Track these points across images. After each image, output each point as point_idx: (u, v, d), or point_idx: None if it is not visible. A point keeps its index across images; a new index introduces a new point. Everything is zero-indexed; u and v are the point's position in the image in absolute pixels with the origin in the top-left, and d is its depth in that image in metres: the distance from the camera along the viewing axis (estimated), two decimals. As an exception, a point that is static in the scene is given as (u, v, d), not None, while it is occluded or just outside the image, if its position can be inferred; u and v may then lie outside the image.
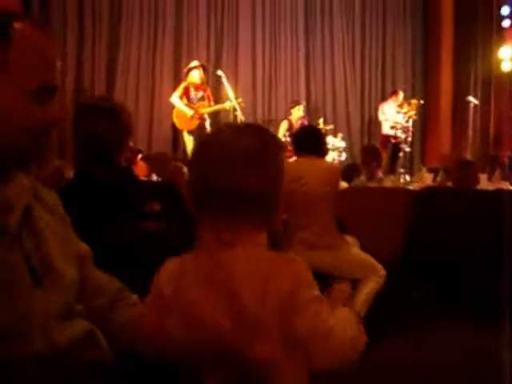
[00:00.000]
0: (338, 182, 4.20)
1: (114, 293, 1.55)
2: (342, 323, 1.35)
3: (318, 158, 4.03)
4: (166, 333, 1.35)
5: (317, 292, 1.30)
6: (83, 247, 1.50)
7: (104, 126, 2.15)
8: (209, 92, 9.00)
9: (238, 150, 1.27)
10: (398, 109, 9.87)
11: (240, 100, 8.76)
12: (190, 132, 8.72)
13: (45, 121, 1.24)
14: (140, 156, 7.93)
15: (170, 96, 9.11)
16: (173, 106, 8.94)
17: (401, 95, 10.40)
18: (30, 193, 1.30)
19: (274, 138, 1.38)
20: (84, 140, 2.20)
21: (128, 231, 2.04)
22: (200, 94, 8.84)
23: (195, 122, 8.68)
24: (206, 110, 8.78)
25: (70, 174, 3.05)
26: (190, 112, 8.68)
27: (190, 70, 8.91)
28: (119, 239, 2.00)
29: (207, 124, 8.75)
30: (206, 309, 1.27)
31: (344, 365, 1.34)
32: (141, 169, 7.52)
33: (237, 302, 1.25)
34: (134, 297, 1.60)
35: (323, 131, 9.23)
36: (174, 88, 9.89)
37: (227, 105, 8.80)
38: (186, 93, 8.78)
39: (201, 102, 8.80)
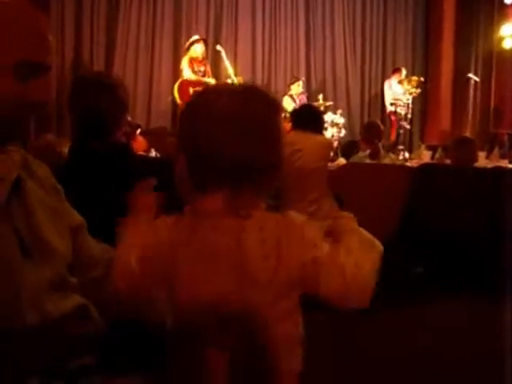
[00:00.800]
0: (330, 156, 4.24)
1: (108, 261, 1.55)
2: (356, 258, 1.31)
3: (314, 133, 4.05)
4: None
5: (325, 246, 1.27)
6: (77, 218, 1.49)
7: (101, 101, 2.14)
8: (208, 67, 8.94)
9: (234, 116, 1.21)
10: (400, 85, 9.86)
11: (239, 78, 8.72)
12: None
13: (24, 98, 1.22)
14: (139, 131, 7.92)
15: (169, 71, 9.09)
16: (173, 81, 8.91)
17: (403, 72, 10.36)
18: (19, 166, 1.29)
19: (275, 103, 1.32)
20: (80, 114, 2.19)
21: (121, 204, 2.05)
22: (202, 68, 8.78)
23: None
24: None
25: (65, 149, 3.04)
26: (212, 81, 8.61)
27: (191, 43, 8.84)
28: (113, 212, 2.01)
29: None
30: (214, 279, 1.23)
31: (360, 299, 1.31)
32: (140, 143, 7.52)
33: (248, 269, 1.21)
34: None
35: (322, 107, 9.22)
36: (174, 63, 9.86)
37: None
38: (190, 66, 8.72)
39: (205, 79, 8.72)
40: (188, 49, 8.85)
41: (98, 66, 9.50)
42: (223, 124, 1.22)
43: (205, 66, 8.85)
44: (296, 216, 1.29)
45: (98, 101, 2.14)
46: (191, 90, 8.53)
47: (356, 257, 1.26)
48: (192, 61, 8.72)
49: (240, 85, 1.41)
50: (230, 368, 1.23)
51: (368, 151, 5.57)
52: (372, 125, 5.97)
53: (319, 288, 1.22)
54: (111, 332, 1.44)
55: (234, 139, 1.21)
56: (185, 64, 8.71)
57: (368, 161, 5.45)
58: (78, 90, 2.24)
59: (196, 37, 9.02)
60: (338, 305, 1.25)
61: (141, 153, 6.90)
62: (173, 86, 9.59)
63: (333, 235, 1.33)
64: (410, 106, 9.67)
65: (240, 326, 1.24)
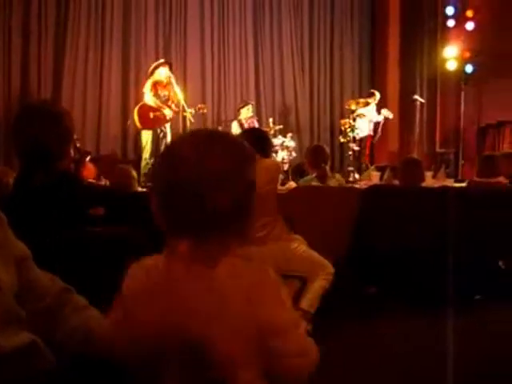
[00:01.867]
0: (278, 178, 4.27)
1: (58, 293, 1.52)
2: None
3: (261, 157, 4.08)
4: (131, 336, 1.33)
5: (292, 313, 1.33)
6: (22, 248, 1.46)
7: (44, 131, 2.12)
8: (172, 92, 8.77)
9: (208, 168, 1.22)
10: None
11: (191, 111, 8.71)
12: (148, 134, 8.60)
13: None
14: (88, 158, 7.84)
15: (118, 96, 9.02)
16: (122, 107, 8.85)
17: (377, 95, 10.53)
18: None
19: (245, 152, 1.32)
20: (24, 145, 2.17)
21: (70, 236, 2.03)
22: (166, 92, 8.68)
23: (163, 122, 8.59)
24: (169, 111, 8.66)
25: (11, 179, 3.00)
26: (169, 113, 8.58)
27: (156, 67, 8.74)
28: (62, 244, 1.99)
29: (168, 127, 8.67)
30: (183, 319, 1.24)
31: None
32: (89, 171, 7.44)
33: (221, 314, 1.23)
34: (81, 299, 1.58)
35: (272, 131, 9.30)
36: (123, 89, 9.81)
37: (187, 113, 8.69)
38: (154, 90, 8.61)
39: (165, 104, 8.65)
40: (152, 72, 8.72)
41: (46, 92, 9.38)
42: (186, 173, 1.23)
43: (168, 90, 8.72)
44: (269, 273, 1.30)
45: (42, 131, 2.12)
46: (151, 115, 8.50)
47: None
48: (156, 85, 8.62)
49: (209, 132, 1.37)
50: None
51: (314, 174, 5.61)
52: (317, 149, 6.01)
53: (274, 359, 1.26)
54: (61, 368, 1.42)
55: (194, 187, 1.21)
56: (147, 88, 8.62)
57: (315, 183, 5.49)
58: (21, 120, 2.21)
59: (161, 60, 8.96)
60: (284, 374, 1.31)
61: (90, 180, 6.83)
62: (122, 112, 9.54)
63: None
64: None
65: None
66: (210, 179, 1.22)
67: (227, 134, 1.40)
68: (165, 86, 8.68)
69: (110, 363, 1.45)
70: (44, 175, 2.13)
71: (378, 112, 10.31)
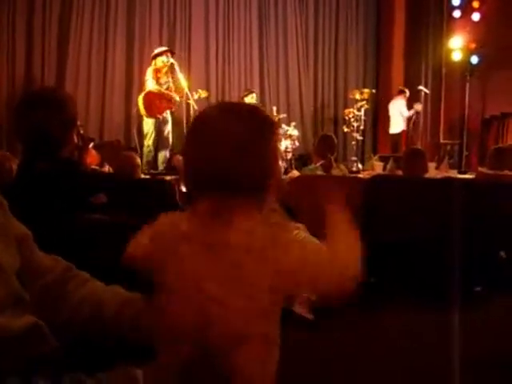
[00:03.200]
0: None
1: (61, 270, 1.53)
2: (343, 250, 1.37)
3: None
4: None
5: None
6: (22, 228, 1.46)
7: (46, 118, 2.11)
8: (172, 80, 8.77)
9: (229, 138, 1.27)
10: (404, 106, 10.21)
11: (202, 92, 8.74)
12: (151, 121, 8.60)
13: None
14: (92, 144, 7.83)
15: (122, 84, 9.01)
16: (127, 94, 8.84)
17: (407, 92, 10.53)
18: None
19: (267, 121, 1.37)
20: (26, 132, 2.16)
21: (72, 223, 2.03)
22: (165, 79, 8.68)
23: (167, 108, 8.60)
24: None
25: (14, 165, 3.01)
26: (176, 96, 8.60)
27: (158, 55, 8.74)
28: (63, 232, 1.99)
29: (169, 114, 8.68)
30: (204, 276, 1.28)
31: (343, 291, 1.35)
32: (93, 157, 7.43)
33: (236, 272, 1.26)
34: (84, 273, 1.59)
35: (276, 120, 9.29)
36: (127, 77, 9.81)
37: (192, 100, 8.68)
38: (155, 77, 8.60)
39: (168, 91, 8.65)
40: (153, 59, 8.73)
41: (50, 80, 9.38)
42: (209, 142, 1.29)
43: (168, 78, 8.72)
44: (284, 230, 1.34)
45: (45, 117, 2.11)
46: (157, 103, 8.49)
47: (344, 251, 1.36)
48: (157, 72, 8.63)
49: (236, 104, 1.46)
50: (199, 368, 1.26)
51: (319, 163, 5.61)
52: (325, 138, 6.00)
53: (309, 289, 1.29)
54: (65, 351, 1.42)
55: (217, 149, 1.27)
56: (149, 75, 8.59)
57: (319, 172, 5.49)
58: (24, 106, 2.20)
59: (163, 48, 8.94)
60: (330, 296, 1.35)
61: (94, 167, 6.83)
62: (126, 99, 9.53)
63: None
64: (363, 117, 9.81)
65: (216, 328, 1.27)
66: (233, 142, 1.27)
67: (250, 104, 1.46)
68: (165, 73, 8.67)
69: (113, 347, 1.46)
70: (47, 162, 2.13)
71: (409, 107, 10.29)
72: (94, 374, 1.20)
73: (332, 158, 5.59)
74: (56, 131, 2.14)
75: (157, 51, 8.80)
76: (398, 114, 10.27)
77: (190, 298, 1.29)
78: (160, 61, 8.65)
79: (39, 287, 1.45)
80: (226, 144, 1.27)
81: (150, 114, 8.57)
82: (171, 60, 8.87)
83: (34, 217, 1.73)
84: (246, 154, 1.27)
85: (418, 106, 10.23)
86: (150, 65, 8.82)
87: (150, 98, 8.52)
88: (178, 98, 8.64)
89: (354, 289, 1.32)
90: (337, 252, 1.34)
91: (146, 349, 1.40)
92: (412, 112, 10.24)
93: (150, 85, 8.55)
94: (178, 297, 1.31)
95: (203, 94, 8.93)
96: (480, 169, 5.98)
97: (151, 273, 1.37)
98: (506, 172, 5.55)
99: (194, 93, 8.75)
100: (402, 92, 10.60)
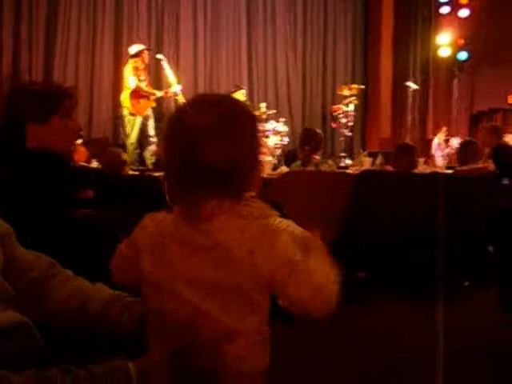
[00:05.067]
0: None
1: (44, 266, 1.52)
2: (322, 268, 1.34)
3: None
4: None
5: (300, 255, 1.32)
6: (4, 225, 1.45)
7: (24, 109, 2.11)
8: (148, 77, 8.83)
9: (203, 126, 1.25)
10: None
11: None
12: (134, 119, 8.57)
13: None
14: (80, 141, 7.81)
15: (110, 80, 8.97)
16: (114, 91, 8.80)
17: (444, 129, 10.44)
18: None
19: (243, 109, 1.35)
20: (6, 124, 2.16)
21: (59, 218, 2.02)
22: (143, 77, 8.69)
23: (151, 105, 8.59)
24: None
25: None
26: (159, 92, 8.63)
27: (135, 55, 8.70)
28: (50, 227, 1.98)
29: (150, 110, 8.66)
30: (189, 275, 1.28)
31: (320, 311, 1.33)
32: (80, 154, 7.42)
33: (223, 272, 1.26)
34: (68, 271, 1.58)
35: (265, 116, 9.27)
36: (115, 73, 9.76)
37: (173, 89, 8.71)
38: (135, 75, 8.56)
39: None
40: (132, 57, 8.70)
41: (37, 74, 9.32)
42: (184, 131, 1.28)
43: (146, 75, 8.74)
44: (272, 222, 1.34)
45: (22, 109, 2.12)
46: (141, 101, 8.49)
47: (325, 270, 1.32)
48: (136, 70, 8.60)
49: (212, 95, 1.42)
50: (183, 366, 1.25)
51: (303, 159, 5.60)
52: (303, 131, 6.00)
53: (287, 292, 1.26)
54: (50, 349, 1.41)
55: (189, 142, 1.26)
56: (129, 73, 8.56)
57: (299, 167, 5.48)
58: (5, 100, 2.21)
59: (140, 46, 8.90)
60: (302, 313, 1.30)
61: (81, 163, 6.82)
62: (114, 97, 9.49)
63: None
64: (351, 113, 9.81)
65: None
66: (204, 134, 1.25)
67: (229, 96, 1.43)
68: (143, 70, 8.67)
69: (99, 343, 1.46)
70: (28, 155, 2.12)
71: (446, 143, 10.19)
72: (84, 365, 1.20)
73: (309, 149, 5.54)
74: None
75: (135, 51, 8.75)
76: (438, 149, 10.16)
77: (179, 296, 1.29)
78: (138, 59, 8.63)
79: (23, 284, 1.44)
80: (201, 133, 1.25)
81: (136, 113, 8.56)
82: (158, 56, 8.85)
83: (21, 212, 1.72)
84: (221, 141, 1.26)
85: (457, 141, 10.04)
86: (127, 62, 8.79)
87: (135, 95, 8.51)
88: (158, 94, 8.62)
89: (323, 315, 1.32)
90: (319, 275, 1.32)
91: (133, 344, 1.40)
92: (449, 149, 10.08)
93: (132, 83, 8.52)
94: (166, 295, 1.31)
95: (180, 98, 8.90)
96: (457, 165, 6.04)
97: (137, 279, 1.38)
98: (481, 164, 5.60)
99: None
100: (438, 128, 10.47)
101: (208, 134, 1.25)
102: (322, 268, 1.31)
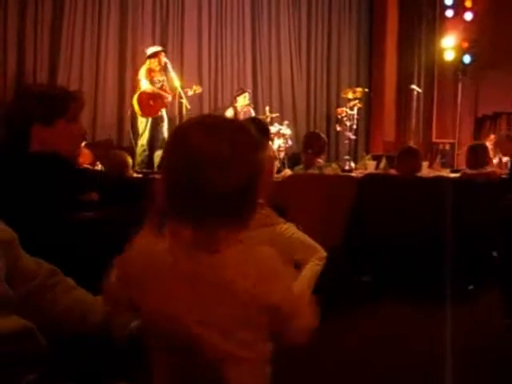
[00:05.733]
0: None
1: (46, 274, 1.52)
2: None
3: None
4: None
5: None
6: (7, 233, 1.46)
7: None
8: (164, 79, 8.78)
9: (208, 154, 1.23)
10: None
11: (196, 88, 8.76)
12: (147, 120, 8.58)
13: None
14: (84, 143, 7.81)
15: (115, 82, 8.97)
16: (119, 93, 8.81)
17: (492, 137, 10.29)
18: None
19: (251, 138, 1.32)
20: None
21: (63, 221, 2.02)
22: (161, 78, 8.68)
23: (162, 107, 8.58)
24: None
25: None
26: (169, 97, 8.59)
27: (152, 56, 8.71)
28: (54, 229, 1.98)
29: (164, 112, 8.67)
30: (184, 307, 1.26)
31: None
32: (85, 156, 7.41)
33: (230, 301, 1.24)
34: (69, 279, 1.58)
35: (269, 119, 9.28)
36: (119, 75, 9.78)
37: (189, 93, 8.76)
38: (148, 77, 8.59)
39: (161, 90, 8.64)
40: (149, 58, 8.71)
41: (42, 75, 9.33)
42: (188, 158, 1.24)
43: (162, 77, 8.72)
44: (269, 253, 1.31)
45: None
46: (151, 102, 8.49)
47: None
48: (150, 71, 8.61)
49: (215, 118, 1.38)
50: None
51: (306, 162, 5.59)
52: (306, 135, 5.98)
53: (285, 327, 1.31)
54: (53, 352, 1.41)
55: (194, 171, 1.22)
56: (142, 75, 8.60)
57: (302, 171, 5.48)
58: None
59: (157, 48, 8.92)
60: (288, 340, 1.36)
61: (86, 165, 6.82)
62: (119, 98, 9.51)
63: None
64: (355, 116, 9.81)
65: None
66: (209, 164, 1.23)
67: (234, 120, 1.42)
68: (159, 72, 8.67)
69: (101, 346, 1.46)
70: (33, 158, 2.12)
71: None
72: None
73: (311, 152, 5.53)
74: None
75: (151, 52, 8.77)
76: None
77: (178, 324, 1.26)
78: (154, 61, 8.64)
79: (24, 292, 1.44)
80: (211, 165, 1.22)
81: (144, 114, 8.56)
82: (164, 59, 8.86)
83: (25, 214, 1.72)
84: (231, 175, 1.24)
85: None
86: (143, 64, 8.80)
87: (143, 98, 8.51)
88: (170, 98, 8.62)
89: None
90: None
91: (133, 361, 1.40)
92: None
93: (144, 85, 8.54)
94: (165, 322, 1.28)
95: (198, 89, 8.92)
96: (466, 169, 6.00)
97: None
98: (489, 169, 5.58)
99: (188, 89, 8.76)
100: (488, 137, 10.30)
101: (217, 163, 1.23)
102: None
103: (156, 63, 8.65)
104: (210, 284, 1.25)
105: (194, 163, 1.23)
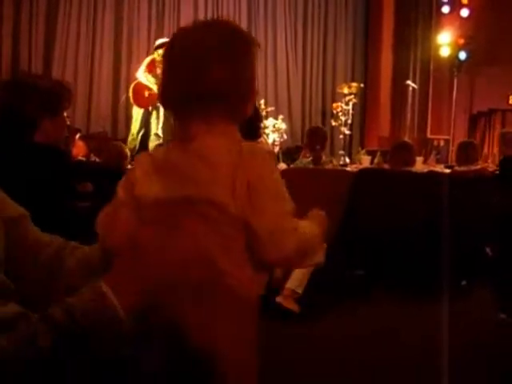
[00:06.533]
0: None
1: (59, 243, 1.53)
2: (307, 229, 1.34)
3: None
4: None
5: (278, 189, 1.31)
6: (16, 210, 1.45)
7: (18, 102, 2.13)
8: None
9: (201, 47, 1.26)
10: None
11: None
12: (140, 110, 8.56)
13: None
14: (79, 135, 7.81)
15: (109, 74, 8.96)
16: (114, 84, 8.80)
17: None
18: None
19: (240, 33, 1.36)
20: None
21: (58, 211, 2.02)
22: None
23: (153, 102, 8.53)
24: None
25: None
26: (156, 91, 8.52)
27: (159, 46, 8.67)
28: (49, 219, 1.98)
29: (160, 106, 8.62)
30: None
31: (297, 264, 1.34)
32: (79, 148, 7.41)
33: (205, 189, 1.23)
34: (74, 243, 1.58)
35: (264, 112, 9.26)
36: (114, 67, 9.76)
37: None
38: (150, 68, 8.54)
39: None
40: (156, 49, 8.61)
41: (37, 67, 9.31)
42: (183, 52, 1.28)
43: None
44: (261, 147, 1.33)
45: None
46: (146, 94, 8.46)
47: (301, 225, 1.32)
48: (154, 63, 8.55)
49: (212, 19, 1.45)
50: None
51: (311, 157, 5.59)
52: (314, 130, 5.99)
53: (253, 213, 1.23)
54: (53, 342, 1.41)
55: (192, 66, 1.26)
56: (144, 64, 8.58)
57: (311, 166, 5.49)
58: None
59: (165, 39, 8.88)
60: (257, 246, 1.25)
61: (80, 158, 6.82)
62: (113, 90, 9.51)
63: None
64: (351, 111, 9.81)
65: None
66: (208, 58, 1.26)
67: (226, 20, 1.44)
68: (160, 63, 8.62)
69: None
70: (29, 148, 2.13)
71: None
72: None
73: (319, 148, 5.55)
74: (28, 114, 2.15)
75: (159, 42, 8.72)
76: None
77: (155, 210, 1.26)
78: (158, 53, 8.61)
79: (40, 262, 1.44)
80: (200, 53, 1.26)
81: (136, 104, 8.56)
82: (159, 52, 8.83)
83: (20, 204, 1.71)
84: (216, 60, 1.26)
85: None
86: (150, 54, 8.80)
87: (140, 88, 8.50)
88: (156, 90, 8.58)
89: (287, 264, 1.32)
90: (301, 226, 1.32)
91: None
92: None
93: (140, 75, 8.53)
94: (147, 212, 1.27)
95: None
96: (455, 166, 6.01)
97: None
98: (480, 165, 5.59)
99: None
100: None
101: (212, 57, 1.26)
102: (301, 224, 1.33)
103: (159, 56, 8.59)
104: (198, 167, 1.24)
105: (190, 60, 1.26)
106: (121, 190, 1.35)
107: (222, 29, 1.33)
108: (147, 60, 8.63)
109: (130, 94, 8.58)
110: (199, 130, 1.27)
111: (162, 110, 8.61)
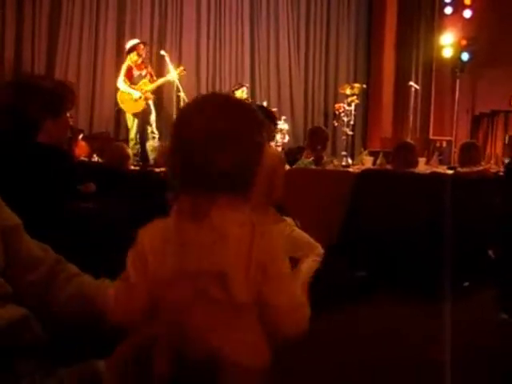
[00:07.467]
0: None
1: (51, 263, 1.52)
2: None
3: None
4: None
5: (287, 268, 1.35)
6: (11, 219, 1.45)
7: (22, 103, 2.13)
8: (150, 69, 8.79)
9: (211, 130, 1.26)
10: None
11: (182, 68, 8.70)
12: (134, 114, 8.55)
13: None
14: (81, 136, 7.83)
15: (112, 75, 8.98)
16: (115, 86, 8.79)
17: None
18: None
19: (250, 115, 1.34)
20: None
21: (61, 211, 2.02)
22: (143, 72, 8.64)
23: (141, 104, 8.51)
24: (149, 86, 8.55)
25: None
26: (136, 95, 8.49)
27: (130, 50, 8.69)
28: (52, 219, 1.98)
29: (151, 104, 8.62)
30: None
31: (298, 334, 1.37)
32: (82, 149, 7.44)
33: (220, 271, 1.25)
34: (73, 267, 1.58)
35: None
36: (117, 67, 9.74)
37: (170, 77, 8.69)
38: (128, 74, 8.56)
39: (143, 80, 8.56)
40: (127, 54, 8.70)
41: (40, 69, 9.31)
42: (192, 133, 1.27)
43: (146, 67, 8.69)
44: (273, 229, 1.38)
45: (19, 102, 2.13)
46: (134, 98, 8.48)
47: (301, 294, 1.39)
48: (130, 68, 8.59)
49: (221, 96, 1.41)
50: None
51: (312, 157, 5.59)
52: (315, 131, 5.99)
53: (271, 293, 1.28)
54: (50, 342, 1.41)
55: (195, 147, 1.25)
56: (121, 76, 8.58)
57: (312, 166, 5.49)
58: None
59: (134, 41, 8.84)
60: (274, 326, 1.33)
61: (83, 158, 6.83)
62: (116, 91, 9.52)
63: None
64: (353, 112, 9.81)
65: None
66: (204, 142, 1.25)
67: (236, 99, 1.44)
68: (139, 66, 8.63)
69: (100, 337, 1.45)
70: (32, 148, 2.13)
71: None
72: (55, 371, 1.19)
73: (320, 148, 5.55)
74: (31, 115, 2.15)
75: (128, 46, 8.73)
76: None
77: (175, 285, 1.28)
78: (133, 55, 8.60)
79: (29, 280, 1.44)
80: (208, 136, 1.25)
81: (130, 112, 8.61)
82: (162, 52, 8.86)
83: (23, 204, 1.72)
84: (226, 146, 1.26)
85: None
86: (125, 60, 8.77)
87: (124, 99, 8.56)
88: (136, 95, 8.50)
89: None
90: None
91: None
92: None
93: (120, 84, 8.56)
94: (165, 287, 1.29)
95: (182, 72, 8.79)
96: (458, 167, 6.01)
97: None
98: (483, 166, 5.59)
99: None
100: None
101: (219, 142, 1.26)
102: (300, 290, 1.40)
103: (136, 57, 8.60)
104: (212, 248, 1.26)
105: (191, 139, 1.26)
106: (132, 266, 1.35)
107: (234, 114, 1.32)
108: (124, 68, 8.61)
109: (122, 105, 8.61)
110: (211, 205, 1.28)
111: (152, 106, 8.63)
